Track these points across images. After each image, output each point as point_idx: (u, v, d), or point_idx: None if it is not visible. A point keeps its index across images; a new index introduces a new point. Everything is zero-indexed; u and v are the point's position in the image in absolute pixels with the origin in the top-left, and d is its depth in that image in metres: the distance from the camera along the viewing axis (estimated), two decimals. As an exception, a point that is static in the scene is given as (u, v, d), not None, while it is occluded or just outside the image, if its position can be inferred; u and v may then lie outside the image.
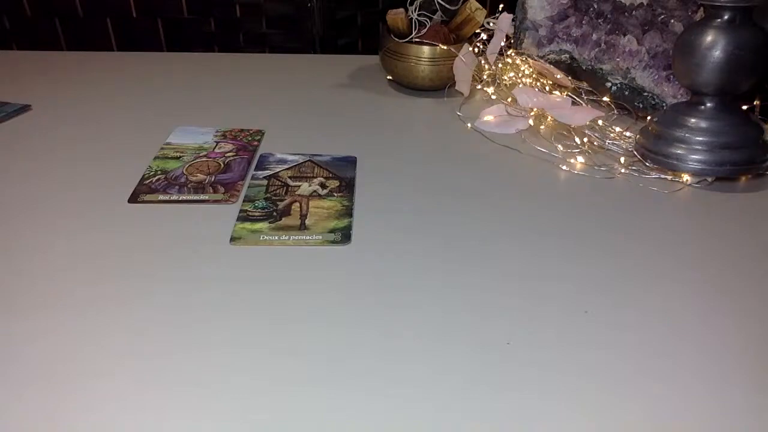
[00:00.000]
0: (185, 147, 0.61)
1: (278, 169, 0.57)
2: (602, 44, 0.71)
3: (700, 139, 0.55)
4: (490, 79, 0.77)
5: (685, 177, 0.55)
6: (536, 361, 0.35)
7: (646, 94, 0.67)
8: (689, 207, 0.52)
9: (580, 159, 0.59)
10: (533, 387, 0.33)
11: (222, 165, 0.58)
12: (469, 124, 0.67)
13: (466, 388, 0.33)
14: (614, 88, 0.70)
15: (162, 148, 0.61)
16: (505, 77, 0.77)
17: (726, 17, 0.53)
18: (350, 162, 0.58)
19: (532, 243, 0.46)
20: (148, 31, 1.02)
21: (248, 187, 0.54)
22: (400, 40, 0.73)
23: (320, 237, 0.47)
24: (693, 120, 0.56)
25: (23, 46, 1.04)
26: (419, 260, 0.44)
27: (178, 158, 0.59)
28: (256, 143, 0.62)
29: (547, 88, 0.73)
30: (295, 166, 0.57)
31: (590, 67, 0.72)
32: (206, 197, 0.52)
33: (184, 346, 0.36)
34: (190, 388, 0.33)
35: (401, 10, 0.73)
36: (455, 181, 0.55)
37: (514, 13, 0.78)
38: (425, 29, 0.73)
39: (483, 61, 0.78)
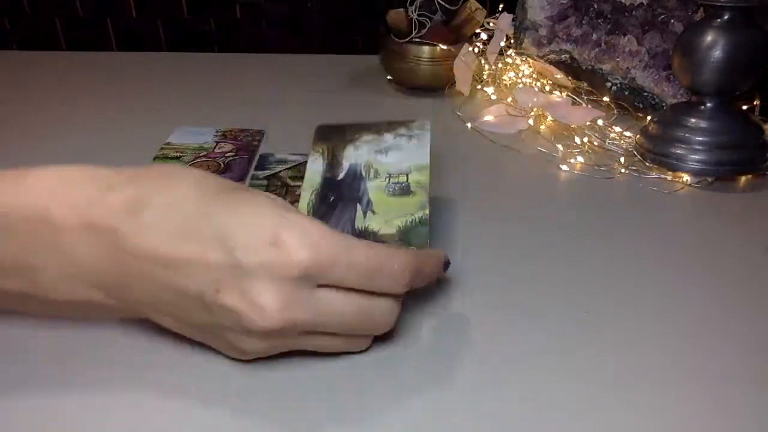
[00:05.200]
0: (185, 147, 0.61)
1: (278, 169, 0.57)
2: (602, 44, 0.71)
3: (700, 139, 0.55)
4: (490, 79, 0.77)
5: (685, 177, 0.55)
6: (535, 361, 0.35)
7: (646, 94, 0.67)
8: (689, 207, 0.52)
9: (580, 159, 0.59)
10: (533, 387, 0.33)
11: (222, 165, 0.58)
12: (469, 124, 0.67)
13: (463, 389, 0.33)
14: (614, 88, 0.70)
15: (162, 148, 0.61)
16: (505, 77, 0.77)
17: (726, 17, 0.53)
18: (350, 162, 0.58)
19: (531, 243, 0.46)
20: (148, 31, 1.02)
21: (248, 187, 0.54)
22: (400, 40, 0.73)
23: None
24: (693, 120, 0.56)
25: (23, 46, 1.04)
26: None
27: (178, 158, 0.59)
28: (256, 143, 0.62)
29: (547, 88, 0.73)
30: (295, 166, 0.57)
31: (590, 67, 0.72)
32: (206, 197, 0.52)
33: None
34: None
35: (401, 10, 0.73)
36: (455, 181, 0.55)
37: (514, 13, 0.78)
38: (425, 29, 0.73)
39: (483, 61, 0.78)
